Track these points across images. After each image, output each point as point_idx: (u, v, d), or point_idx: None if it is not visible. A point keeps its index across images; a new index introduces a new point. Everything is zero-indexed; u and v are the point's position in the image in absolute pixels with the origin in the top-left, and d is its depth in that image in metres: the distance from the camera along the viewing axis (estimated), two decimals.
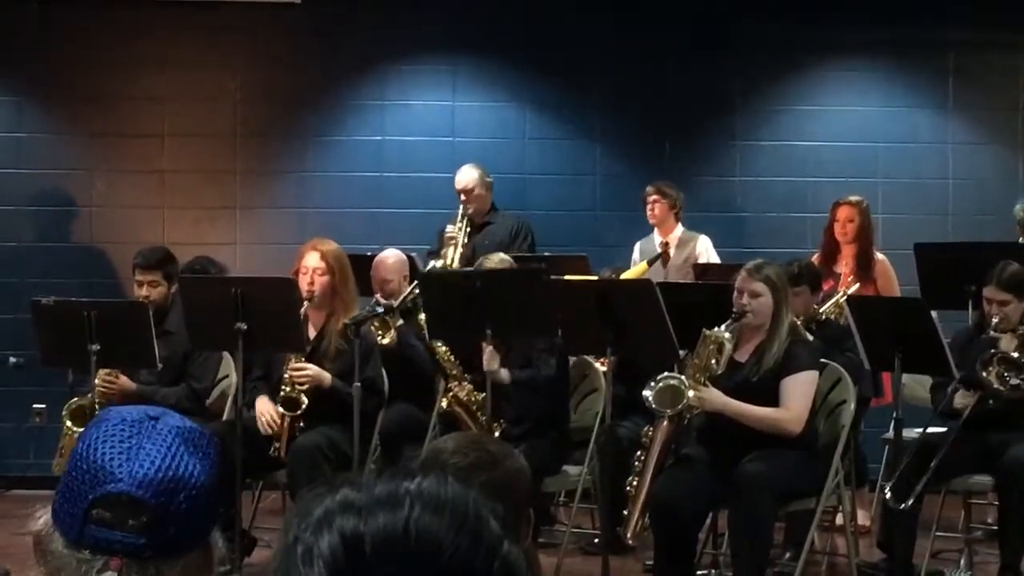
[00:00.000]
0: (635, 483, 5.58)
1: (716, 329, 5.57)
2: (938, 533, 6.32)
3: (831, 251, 7.54)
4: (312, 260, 6.30)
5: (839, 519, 6.51)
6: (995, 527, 6.36)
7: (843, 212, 7.55)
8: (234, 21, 8.89)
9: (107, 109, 8.94)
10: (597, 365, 6.47)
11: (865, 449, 6.98)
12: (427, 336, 6.33)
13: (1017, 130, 9.11)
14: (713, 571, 6.13)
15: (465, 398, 6.06)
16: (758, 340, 5.63)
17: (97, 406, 6.00)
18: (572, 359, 6.49)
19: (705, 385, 5.51)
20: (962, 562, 6.29)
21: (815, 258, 7.50)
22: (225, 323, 5.91)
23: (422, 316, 6.60)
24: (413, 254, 7.56)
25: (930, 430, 5.82)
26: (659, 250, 8.00)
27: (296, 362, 6.12)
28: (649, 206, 8.06)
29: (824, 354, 5.85)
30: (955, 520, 6.67)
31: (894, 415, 5.83)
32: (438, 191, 8.41)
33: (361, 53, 8.98)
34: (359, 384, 5.96)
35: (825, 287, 6.95)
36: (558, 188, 9.02)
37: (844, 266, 7.49)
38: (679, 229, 8.12)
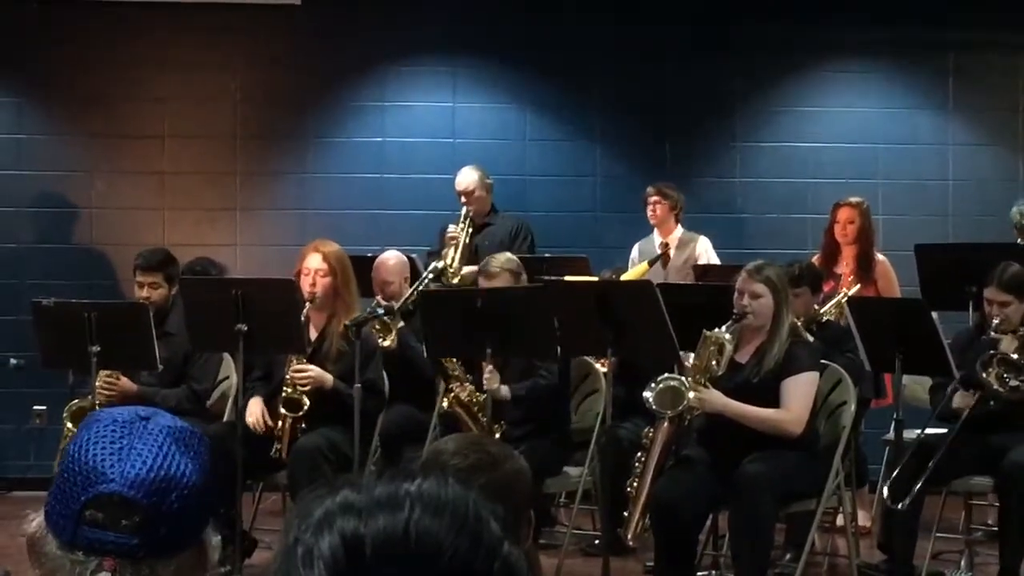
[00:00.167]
0: (636, 484, 5.58)
1: (716, 330, 5.57)
2: (938, 534, 6.32)
3: (832, 252, 7.55)
4: (314, 261, 6.30)
5: (839, 520, 6.50)
6: (995, 528, 6.36)
7: (843, 213, 7.56)
8: (234, 22, 8.90)
9: (107, 110, 8.94)
10: (597, 366, 6.47)
11: (865, 450, 6.97)
12: (427, 353, 6.32)
13: (1017, 131, 9.11)
14: (714, 572, 6.13)
15: (466, 399, 6.06)
16: (759, 341, 5.63)
17: (98, 407, 6.00)
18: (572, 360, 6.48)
19: (705, 386, 5.51)
20: (962, 563, 6.28)
21: (816, 259, 7.50)
22: (225, 324, 5.91)
23: None
24: (414, 255, 7.56)
25: (929, 431, 5.81)
26: (659, 251, 8.00)
27: (297, 363, 6.12)
28: (650, 207, 8.06)
29: (824, 355, 5.85)
30: (955, 521, 6.66)
31: (894, 416, 5.83)
32: (438, 192, 8.41)
33: (361, 54, 8.98)
34: (359, 385, 5.96)
35: (826, 288, 6.94)
36: (558, 189, 9.02)
37: (845, 267, 7.49)
38: (679, 230, 8.12)
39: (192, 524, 1.66)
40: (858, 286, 7.17)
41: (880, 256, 7.59)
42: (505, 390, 6.07)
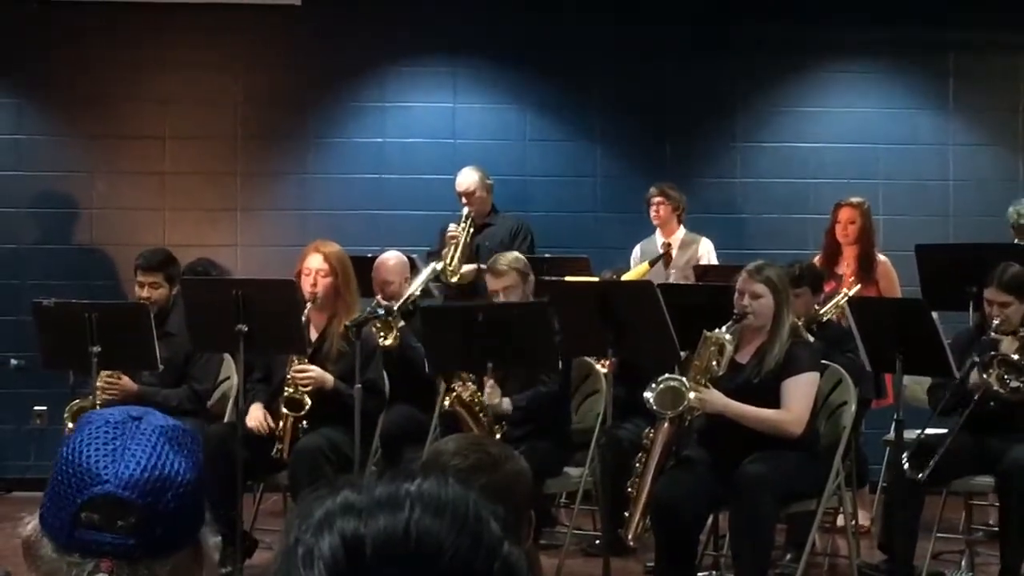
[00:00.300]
0: (636, 484, 5.58)
1: (717, 330, 5.57)
2: (939, 534, 6.32)
3: (833, 252, 7.55)
4: (315, 261, 6.31)
5: (840, 520, 6.50)
6: (996, 528, 6.36)
7: (844, 213, 7.56)
8: (235, 23, 8.90)
9: (108, 111, 8.94)
10: (598, 367, 6.47)
11: (866, 450, 6.97)
12: (427, 368, 6.33)
13: (1018, 131, 9.11)
14: (714, 572, 6.13)
15: (468, 399, 6.06)
16: (759, 341, 5.63)
17: (99, 408, 6.00)
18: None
19: (706, 387, 5.51)
20: (963, 563, 6.28)
21: (817, 259, 7.50)
22: (226, 325, 5.91)
23: None
24: (414, 256, 7.57)
25: (929, 431, 5.81)
26: (660, 251, 8.00)
27: (299, 363, 6.12)
28: (653, 208, 8.06)
29: (825, 355, 5.85)
30: (956, 521, 6.66)
31: (895, 416, 5.82)
32: (439, 193, 8.41)
33: (362, 55, 8.98)
34: (360, 386, 5.96)
35: (827, 288, 6.95)
36: (559, 189, 9.02)
37: (846, 267, 7.49)
38: (681, 231, 8.13)
39: (188, 523, 1.66)
40: (859, 286, 7.17)
41: (881, 256, 7.59)
42: (507, 403, 6.08)
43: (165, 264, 6.64)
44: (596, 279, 7.21)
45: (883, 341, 5.79)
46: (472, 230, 7.90)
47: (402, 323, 6.78)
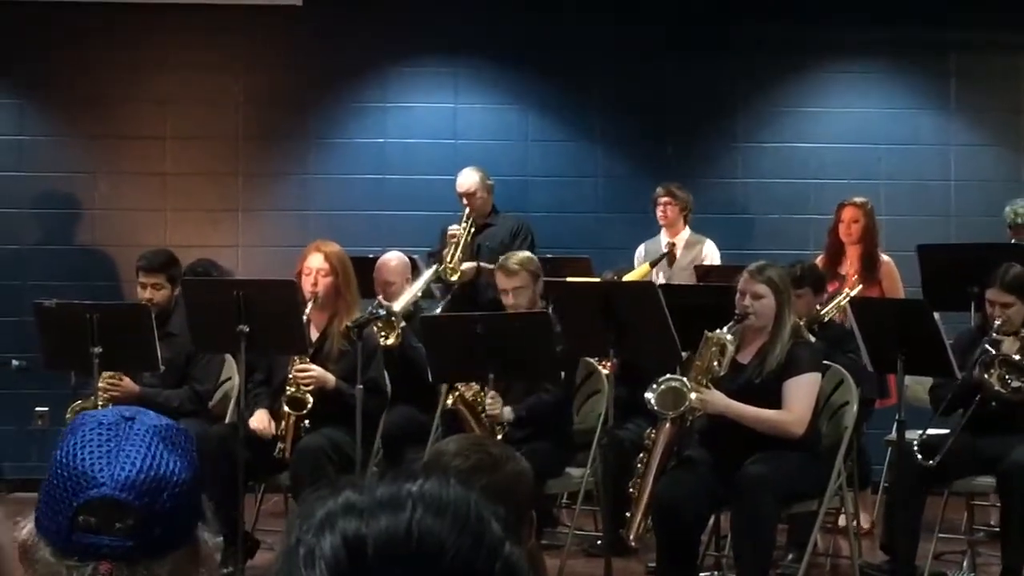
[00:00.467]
0: (638, 485, 5.58)
1: (718, 331, 5.57)
2: (940, 535, 6.31)
3: (836, 252, 7.54)
4: (316, 261, 6.31)
5: (842, 521, 6.50)
6: (997, 529, 6.35)
7: (848, 213, 7.55)
8: (236, 23, 8.90)
9: (109, 111, 8.94)
10: (600, 367, 6.47)
11: (868, 451, 6.97)
12: (430, 377, 6.33)
13: (1019, 131, 9.11)
14: (716, 573, 6.13)
15: (471, 398, 6.06)
16: (760, 342, 5.63)
17: (100, 408, 6.00)
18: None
19: (707, 387, 5.50)
20: (964, 564, 6.28)
21: (820, 259, 7.50)
22: (227, 325, 5.91)
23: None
24: (415, 256, 7.57)
25: (930, 432, 5.81)
26: (665, 251, 7.99)
27: (300, 363, 6.12)
28: (660, 208, 8.05)
29: (826, 356, 5.85)
30: (957, 522, 6.66)
31: (896, 417, 5.82)
32: (440, 193, 8.41)
33: (363, 55, 8.98)
34: (361, 386, 5.96)
35: (830, 288, 6.95)
36: (560, 190, 9.02)
37: (849, 267, 7.48)
38: (686, 232, 8.13)
39: (185, 522, 1.66)
40: (860, 287, 7.16)
41: (885, 256, 7.58)
42: (508, 412, 6.07)
43: (167, 265, 6.65)
44: (598, 280, 7.21)
45: (885, 341, 5.79)
46: (473, 230, 7.90)
47: (403, 323, 6.78)
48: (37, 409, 8.63)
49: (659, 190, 8.10)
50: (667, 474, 5.55)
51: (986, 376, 5.63)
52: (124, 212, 8.91)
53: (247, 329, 5.90)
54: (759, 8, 9.04)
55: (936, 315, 5.97)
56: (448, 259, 7.68)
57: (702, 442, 5.67)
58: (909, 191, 8.94)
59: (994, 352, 5.68)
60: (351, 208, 8.89)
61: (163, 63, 8.90)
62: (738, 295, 5.63)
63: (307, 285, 6.26)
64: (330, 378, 6.15)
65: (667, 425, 5.56)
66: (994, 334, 5.80)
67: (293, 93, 9.04)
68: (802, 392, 5.53)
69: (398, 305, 6.79)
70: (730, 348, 5.58)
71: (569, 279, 6.87)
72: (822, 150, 9.05)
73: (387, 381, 6.33)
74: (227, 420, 6.43)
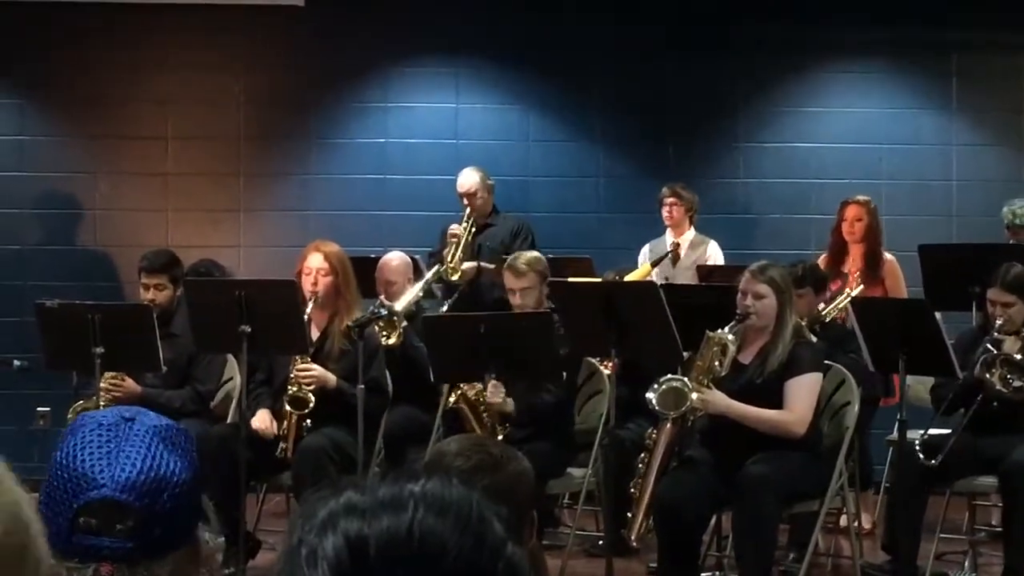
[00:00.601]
0: (639, 485, 5.58)
1: (720, 331, 5.57)
2: (942, 535, 6.31)
3: (839, 251, 7.53)
4: (315, 261, 6.32)
5: (843, 521, 6.50)
6: (999, 529, 6.35)
7: (851, 211, 7.54)
8: (237, 23, 8.90)
9: (110, 112, 8.95)
10: (601, 368, 6.47)
11: (870, 451, 6.96)
12: (431, 377, 6.33)
13: (1021, 131, 9.11)
14: (717, 573, 6.13)
15: (473, 397, 6.06)
16: (762, 342, 5.63)
17: (102, 409, 6.00)
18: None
19: (708, 387, 5.50)
20: (966, 564, 6.28)
21: (823, 258, 7.50)
22: (229, 326, 5.92)
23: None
24: (417, 256, 7.57)
25: (932, 432, 5.81)
26: (668, 251, 7.98)
27: (302, 362, 6.13)
28: (666, 208, 8.04)
29: (828, 356, 5.85)
30: (959, 522, 6.66)
31: (898, 416, 5.82)
32: (441, 193, 8.41)
33: (364, 55, 8.99)
34: (363, 387, 5.97)
35: (833, 287, 6.95)
36: (561, 190, 9.02)
37: (852, 266, 7.47)
38: (691, 232, 8.12)
39: (185, 522, 1.66)
40: (861, 287, 7.16)
41: (888, 255, 7.56)
42: (511, 403, 6.07)
43: (169, 266, 6.65)
44: (599, 280, 7.21)
45: (886, 341, 5.79)
46: (473, 230, 7.91)
47: (405, 323, 6.78)
48: (39, 409, 8.63)
49: (665, 190, 8.10)
50: (668, 474, 5.55)
51: (987, 376, 5.63)
52: (125, 212, 8.91)
53: (249, 329, 5.90)
54: (759, 8, 9.04)
55: (937, 315, 5.97)
56: (449, 259, 7.68)
57: (703, 442, 5.67)
58: (910, 191, 8.94)
59: (995, 352, 5.68)
60: (352, 208, 8.89)
61: (164, 63, 8.90)
62: (739, 295, 5.63)
63: (307, 285, 6.26)
64: (331, 378, 6.15)
65: (668, 425, 5.56)
66: (995, 334, 5.80)
67: (294, 93, 9.04)
68: (803, 392, 5.53)
69: (400, 305, 6.79)
70: (731, 348, 5.58)
71: (570, 279, 6.86)
72: (823, 150, 9.04)
73: (388, 381, 6.34)
74: (229, 420, 6.44)
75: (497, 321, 6.12)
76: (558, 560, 6.22)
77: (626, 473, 5.75)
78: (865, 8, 9.02)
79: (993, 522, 6.83)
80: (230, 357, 6.57)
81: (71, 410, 6.31)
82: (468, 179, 8.02)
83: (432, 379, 6.33)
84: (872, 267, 7.44)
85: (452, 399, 6.14)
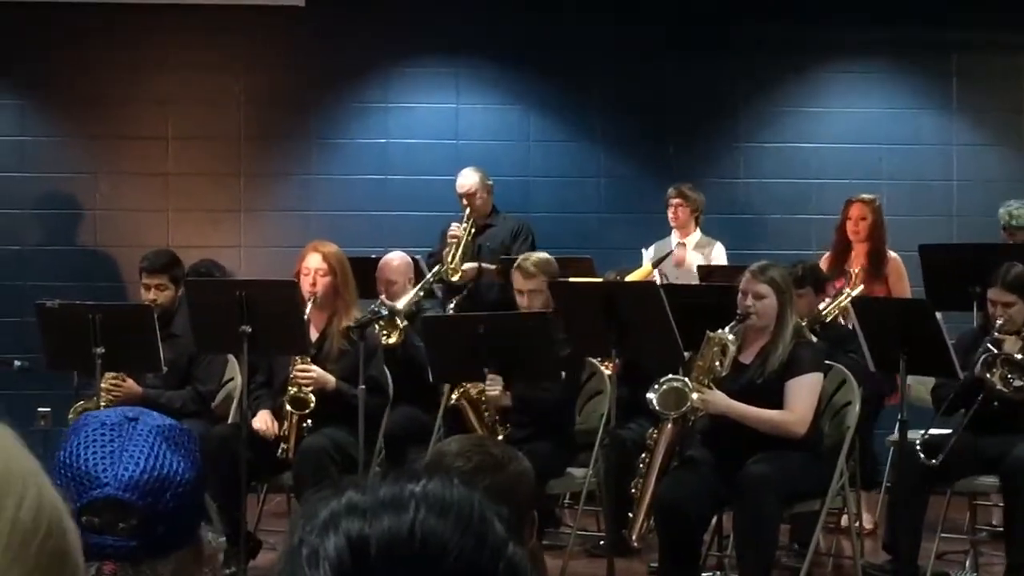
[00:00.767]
0: (640, 485, 5.58)
1: (720, 331, 5.57)
2: (943, 535, 6.31)
3: (843, 249, 7.52)
4: (314, 261, 6.32)
5: (844, 520, 6.50)
6: (1000, 528, 6.35)
7: (856, 210, 7.52)
8: (237, 23, 8.90)
9: (110, 112, 8.95)
10: (602, 368, 6.47)
11: (874, 451, 6.95)
12: (431, 377, 6.34)
13: (1021, 131, 9.11)
14: (718, 573, 6.13)
15: (475, 395, 6.06)
16: (762, 342, 5.63)
17: (103, 409, 5.99)
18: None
19: (709, 387, 5.50)
20: (967, 563, 6.28)
21: (827, 256, 7.50)
22: (230, 326, 5.92)
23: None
24: (417, 256, 7.57)
25: (933, 431, 5.81)
26: (668, 251, 7.98)
27: (301, 363, 6.13)
28: (672, 209, 8.03)
29: (828, 356, 5.85)
30: (960, 522, 6.66)
31: (899, 417, 5.82)
32: (442, 194, 8.41)
33: (365, 55, 8.99)
34: (363, 387, 5.97)
35: (837, 285, 6.94)
36: (562, 190, 9.02)
37: (854, 264, 7.45)
38: (697, 233, 8.12)
39: (188, 521, 1.66)
40: (861, 287, 7.16)
41: (893, 254, 7.55)
42: (508, 397, 6.07)
43: (170, 266, 6.65)
44: (600, 280, 7.21)
45: (887, 341, 5.78)
46: (473, 231, 7.91)
47: (405, 323, 6.79)
48: (40, 410, 8.62)
49: (671, 191, 8.08)
50: (669, 474, 5.55)
51: (988, 375, 5.63)
52: (126, 213, 8.92)
53: (249, 330, 5.90)
54: (759, 8, 9.04)
55: (938, 315, 5.97)
56: (448, 260, 7.68)
57: (704, 442, 5.67)
58: (911, 191, 8.94)
59: (996, 351, 5.68)
60: (353, 208, 8.89)
61: (164, 63, 8.90)
62: (740, 295, 5.63)
63: (305, 285, 6.26)
64: (330, 379, 6.15)
65: (669, 425, 5.56)
66: (996, 333, 5.80)
67: (295, 93, 9.04)
68: (804, 392, 5.53)
69: (400, 304, 6.79)
70: (732, 348, 5.58)
71: (571, 279, 6.86)
72: (823, 150, 9.05)
73: (388, 379, 6.34)
74: (230, 421, 6.44)
75: (496, 321, 6.12)
76: (559, 560, 6.22)
77: (627, 473, 5.75)
78: (865, 8, 9.02)
79: (994, 522, 6.83)
80: (231, 357, 6.57)
81: (72, 410, 6.31)
82: (468, 179, 8.02)
83: (431, 379, 6.33)
84: (876, 265, 7.43)
85: (455, 396, 6.13)
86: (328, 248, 6.41)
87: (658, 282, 7.37)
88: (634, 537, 5.62)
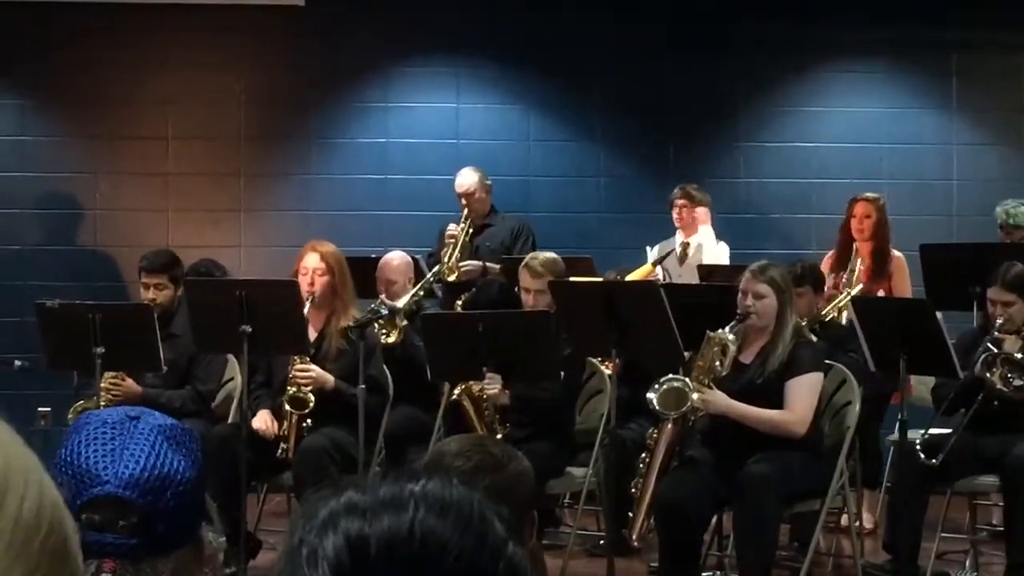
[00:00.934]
0: (640, 485, 5.58)
1: (720, 331, 5.57)
2: (943, 534, 6.31)
3: (847, 248, 7.50)
4: (312, 261, 6.32)
5: (844, 520, 6.50)
6: (1000, 528, 6.35)
7: (860, 208, 7.50)
8: (238, 23, 8.90)
9: (111, 112, 8.95)
10: (602, 368, 6.47)
11: (880, 450, 6.94)
12: (429, 375, 6.33)
13: (1021, 131, 9.12)
14: (718, 572, 6.13)
15: (477, 393, 6.06)
16: (762, 342, 5.63)
17: (103, 409, 5.99)
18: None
19: (709, 387, 5.50)
20: (967, 563, 6.28)
21: (830, 255, 7.49)
22: (230, 326, 5.92)
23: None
24: (417, 256, 7.57)
25: (933, 431, 5.82)
26: (668, 251, 7.97)
27: (301, 363, 6.13)
28: (677, 210, 8.01)
29: (828, 355, 5.85)
30: (960, 521, 6.66)
31: (899, 416, 5.82)
32: (442, 193, 8.41)
33: (365, 55, 8.99)
34: (363, 387, 5.97)
35: (839, 283, 6.94)
36: (562, 190, 9.02)
37: (860, 263, 7.44)
38: (705, 233, 8.10)
39: (189, 520, 1.66)
40: (861, 286, 7.16)
41: (897, 253, 7.53)
42: (506, 396, 6.07)
43: (169, 266, 6.65)
44: (600, 279, 7.21)
45: (887, 341, 5.78)
46: (471, 231, 7.90)
47: (405, 322, 6.79)
48: (40, 409, 8.63)
49: (676, 191, 8.05)
50: (669, 474, 5.55)
51: (988, 375, 5.63)
52: (126, 212, 8.92)
53: (249, 329, 5.90)
54: (759, 8, 9.04)
55: (938, 315, 5.97)
56: (446, 260, 7.68)
57: (704, 442, 5.67)
58: (911, 191, 8.94)
59: (996, 351, 5.68)
60: (353, 208, 8.90)
61: (165, 63, 8.90)
62: (740, 295, 5.63)
63: (304, 285, 6.26)
64: (329, 379, 6.15)
65: (669, 425, 5.56)
66: (996, 333, 5.80)
67: (295, 93, 9.04)
68: (804, 392, 5.53)
69: (400, 304, 6.80)
70: (732, 348, 5.58)
71: (572, 279, 6.86)
72: (824, 150, 9.05)
73: (388, 378, 6.34)
74: (230, 420, 6.44)
75: (496, 320, 6.12)
76: (559, 560, 6.22)
77: (627, 473, 5.75)
78: (865, 8, 9.02)
79: (994, 521, 6.83)
80: (231, 357, 6.57)
81: (72, 410, 6.31)
82: (466, 179, 8.02)
83: (430, 376, 6.33)
84: (880, 264, 7.42)
85: (457, 391, 6.13)
86: (326, 248, 6.41)
87: (662, 280, 7.38)
88: (634, 537, 5.62)
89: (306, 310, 6.16)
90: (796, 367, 5.54)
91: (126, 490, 1.60)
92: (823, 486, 5.65)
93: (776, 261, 5.95)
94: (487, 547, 1.01)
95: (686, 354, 5.70)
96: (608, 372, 6.23)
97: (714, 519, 5.87)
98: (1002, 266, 5.92)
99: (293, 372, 6.10)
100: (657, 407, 5.50)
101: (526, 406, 6.14)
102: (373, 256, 7.36)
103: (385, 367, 6.35)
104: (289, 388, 6.11)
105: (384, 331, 6.59)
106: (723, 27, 9.01)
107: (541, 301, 6.37)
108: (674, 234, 8.10)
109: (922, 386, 6.55)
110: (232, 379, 6.61)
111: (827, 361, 5.77)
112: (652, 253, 8.07)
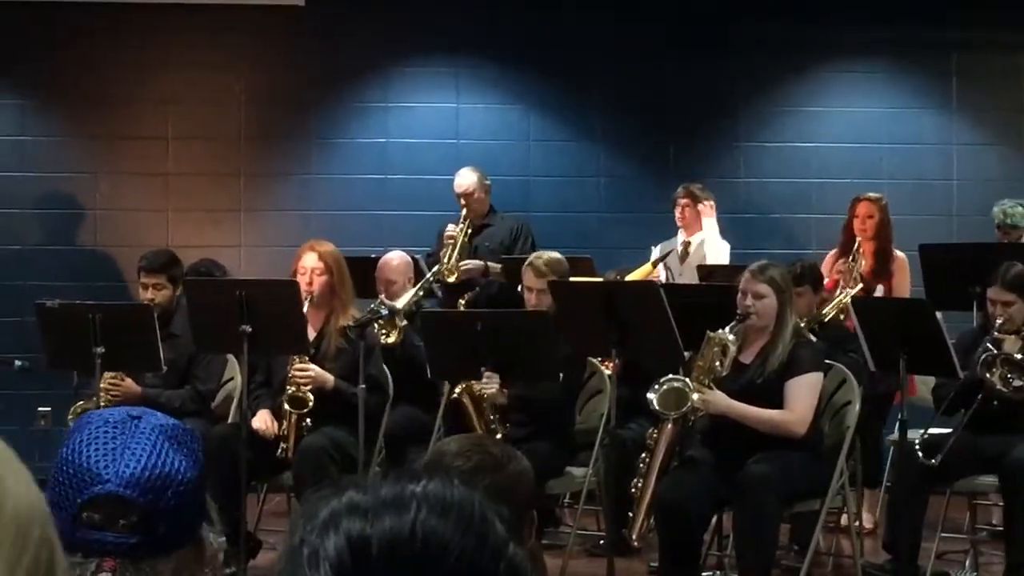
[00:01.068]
0: (640, 485, 5.58)
1: (720, 331, 5.57)
2: (943, 534, 6.31)
3: (850, 248, 7.50)
4: (310, 260, 6.32)
5: (844, 520, 6.51)
6: (1000, 528, 6.36)
7: (863, 208, 7.50)
8: (238, 23, 8.90)
9: (111, 111, 8.95)
10: (602, 368, 6.47)
11: (881, 449, 6.94)
12: (429, 373, 6.34)
13: (1021, 131, 9.12)
14: (718, 572, 6.13)
15: (478, 392, 6.06)
16: (762, 342, 5.63)
17: (103, 409, 5.99)
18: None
19: (709, 387, 5.50)
20: (967, 563, 6.28)
21: (832, 254, 7.49)
22: (229, 326, 5.92)
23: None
24: (417, 256, 7.57)
25: (932, 431, 5.82)
26: (669, 251, 7.97)
27: (300, 362, 6.13)
28: (679, 209, 8.00)
29: (828, 355, 5.85)
30: (960, 521, 6.66)
31: (899, 416, 5.82)
32: (442, 193, 8.40)
33: (365, 55, 8.99)
34: (363, 386, 5.97)
35: (842, 282, 6.95)
36: (562, 190, 9.02)
37: (863, 263, 7.44)
38: (703, 233, 8.10)
39: (189, 520, 1.66)
40: (860, 286, 7.16)
41: (899, 253, 7.52)
42: (504, 395, 6.07)
43: (168, 265, 6.65)
44: (600, 279, 7.21)
45: (887, 341, 5.78)
46: (470, 231, 7.90)
47: (404, 322, 6.79)
48: (40, 409, 8.63)
49: (679, 190, 8.03)
50: (669, 474, 5.55)
51: (988, 375, 5.63)
52: (126, 212, 8.92)
53: (249, 329, 5.90)
54: (759, 8, 9.04)
55: (938, 315, 5.97)
56: (445, 260, 7.68)
57: (704, 442, 5.67)
58: (911, 191, 8.94)
59: (996, 351, 5.68)
60: (353, 208, 8.89)
61: (165, 63, 8.90)
62: (740, 295, 5.63)
63: (302, 285, 6.26)
64: (329, 378, 6.15)
65: (669, 425, 5.56)
66: (995, 333, 5.80)
67: (295, 93, 9.04)
68: (804, 392, 5.54)
69: (400, 304, 6.80)
70: (732, 348, 5.58)
71: (572, 279, 6.86)
72: (824, 150, 9.05)
73: (388, 378, 6.34)
74: (229, 420, 6.44)
75: (495, 319, 6.12)
76: (559, 560, 6.22)
77: (627, 473, 5.75)
78: (865, 8, 9.02)
79: (994, 521, 6.83)
80: (230, 357, 6.58)
81: (71, 410, 6.31)
82: (465, 179, 8.02)
83: (429, 375, 6.33)
84: (882, 264, 7.42)
85: (458, 390, 6.13)
86: (324, 247, 6.41)
87: (663, 279, 7.37)
88: (634, 537, 5.62)
89: (304, 310, 6.16)
90: (796, 367, 5.54)
91: (127, 489, 1.61)
92: (823, 486, 5.65)
93: (776, 261, 5.96)
94: (488, 547, 1.01)
95: (686, 354, 5.70)
96: (608, 372, 6.23)
97: (714, 519, 5.87)
98: (1002, 266, 5.92)
99: (292, 372, 6.10)
100: (657, 407, 5.50)
101: (526, 406, 6.13)
102: (373, 256, 7.36)
103: (385, 367, 6.35)
104: (289, 388, 6.11)
105: (384, 331, 6.59)
106: (723, 27, 9.02)
107: (544, 301, 6.37)
108: (675, 234, 8.10)
109: (923, 386, 6.55)
110: (232, 379, 6.61)
111: (827, 361, 5.77)
112: (655, 253, 8.07)
